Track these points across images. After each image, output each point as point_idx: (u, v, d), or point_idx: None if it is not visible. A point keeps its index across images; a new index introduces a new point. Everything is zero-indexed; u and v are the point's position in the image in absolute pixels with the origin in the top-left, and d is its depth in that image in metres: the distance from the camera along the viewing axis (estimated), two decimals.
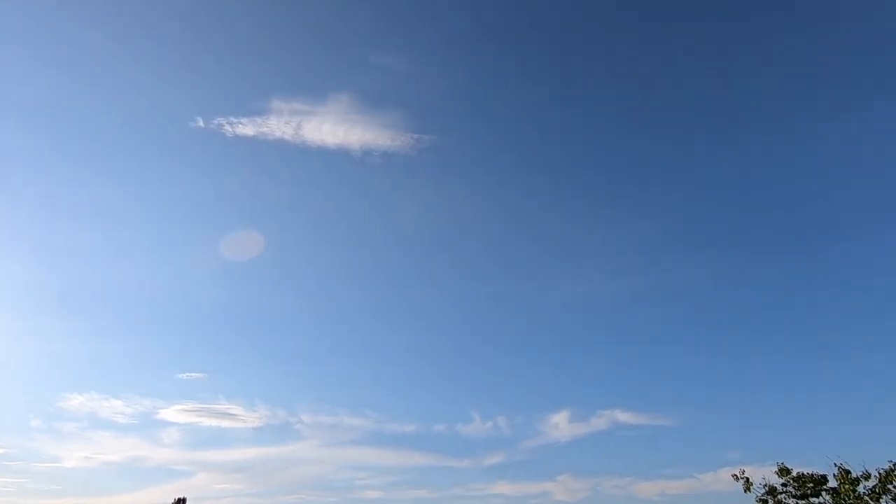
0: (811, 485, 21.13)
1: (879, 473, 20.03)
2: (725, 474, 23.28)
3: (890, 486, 19.70)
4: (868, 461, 20.49)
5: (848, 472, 20.37)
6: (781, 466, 22.35)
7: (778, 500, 21.70)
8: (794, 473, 21.73)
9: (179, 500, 28.76)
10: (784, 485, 21.76)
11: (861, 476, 20.32)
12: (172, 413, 72.57)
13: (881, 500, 19.32)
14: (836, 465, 20.88)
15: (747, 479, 22.59)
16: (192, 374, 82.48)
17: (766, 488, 22.12)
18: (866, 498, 20.02)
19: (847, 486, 20.20)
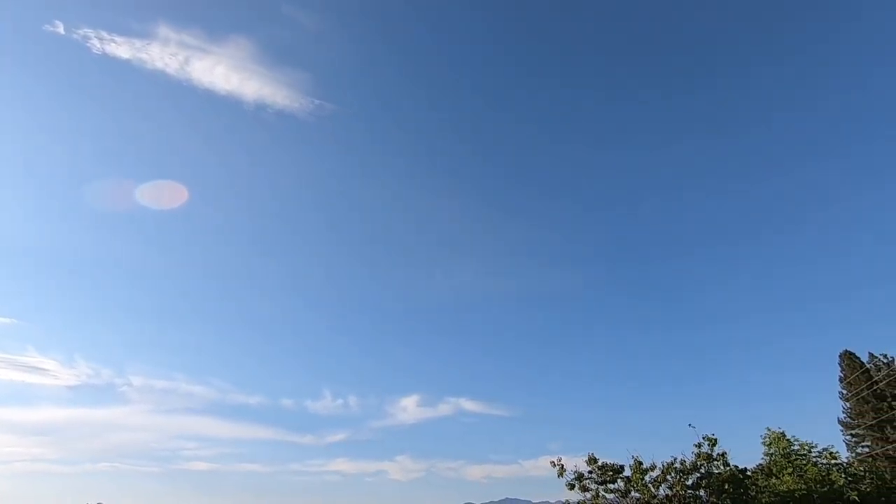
0: (611, 473, 24.19)
1: (662, 466, 23.73)
2: (545, 461, 25.56)
3: (668, 477, 23.43)
4: (657, 456, 24.13)
5: (641, 463, 23.76)
6: (590, 456, 25.22)
7: (583, 485, 24.40)
8: (599, 463, 24.64)
9: None
10: (590, 472, 24.57)
11: (649, 467, 23.84)
12: None
13: (660, 487, 22.88)
14: (632, 457, 24.20)
15: (562, 466, 25.06)
16: None
17: (576, 475, 24.74)
18: (649, 485, 23.53)
19: (638, 475, 23.55)
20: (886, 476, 27.22)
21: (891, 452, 39.15)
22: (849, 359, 47.31)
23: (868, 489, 24.61)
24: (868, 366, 46.32)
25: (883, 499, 24.01)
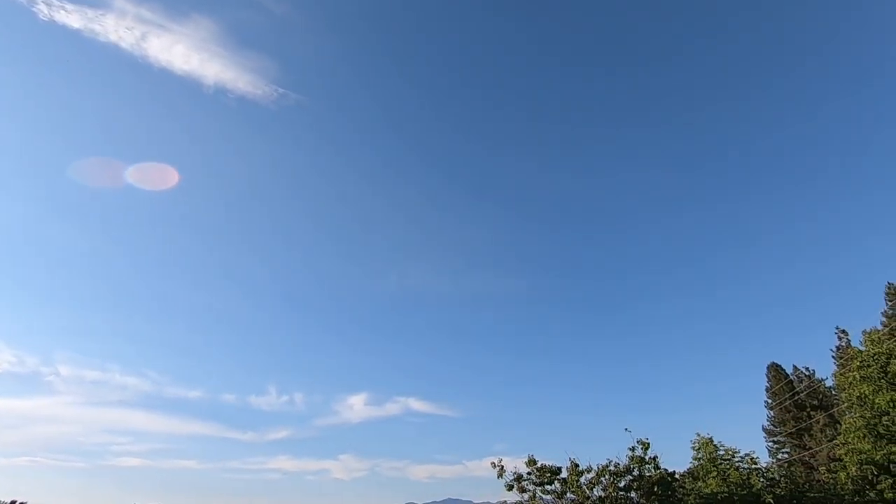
0: (549, 474, 24.78)
1: (597, 468, 24.54)
2: (489, 462, 25.88)
3: (602, 479, 24.24)
4: (595, 458, 24.96)
5: (577, 465, 24.48)
6: (530, 458, 25.75)
7: (521, 486, 24.88)
8: (538, 464, 25.20)
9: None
10: (529, 473, 25.08)
11: (585, 469, 24.60)
12: None
13: (594, 489, 23.65)
14: (570, 459, 24.90)
15: (502, 467, 25.46)
16: None
17: (515, 476, 25.19)
18: (584, 487, 24.28)
19: (573, 477, 24.25)
20: (800, 480, 29.27)
21: (806, 458, 42.11)
22: (775, 370, 50.58)
23: (782, 492, 26.35)
24: (791, 377, 49.69)
25: (795, 501, 25.77)
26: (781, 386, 48.95)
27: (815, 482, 32.06)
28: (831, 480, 25.49)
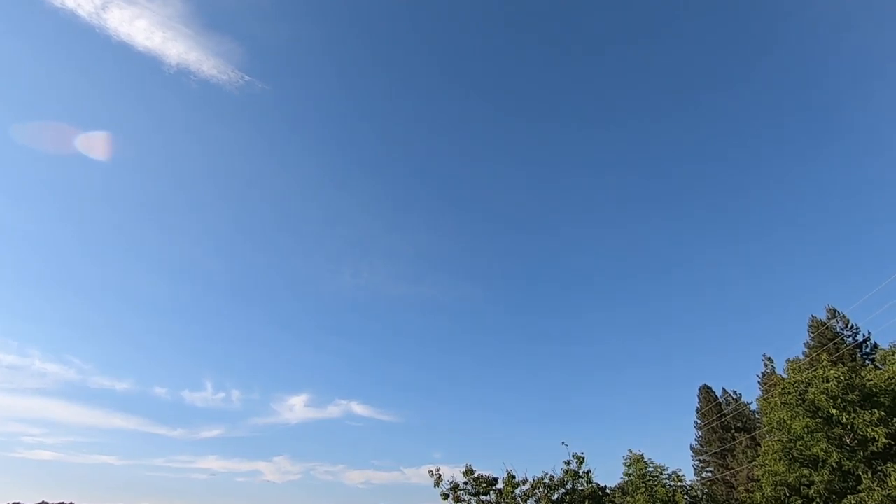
0: (485, 485, 24.85)
1: (533, 480, 24.82)
2: (426, 470, 25.67)
3: (536, 491, 24.52)
4: (532, 470, 25.23)
5: (513, 476, 24.68)
6: (468, 468, 25.76)
7: (457, 496, 24.80)
8: (475, 474, 25.22)
9: None
10: (465, 483, 25.06)
11: (521, 481, 24.82)
12: None
13: (528, 501, 23.90)
14: (506, 470, 25.09)
15: (439, 475, 25.33)
16: None
17: (451, 485, 25.11)
18: (518, 499, 24.47)
19: (509, 488, 24.41)
20: (720, 499, 30.78)
21: (728, 478, 44.37)
22: (705, 392, 53.12)
23: None
24: (721, 400, 52.36)
25: None
26: (711, 407, 51.47)
27: (733, 501, 33.78)
28: (749, 500, 26.89)
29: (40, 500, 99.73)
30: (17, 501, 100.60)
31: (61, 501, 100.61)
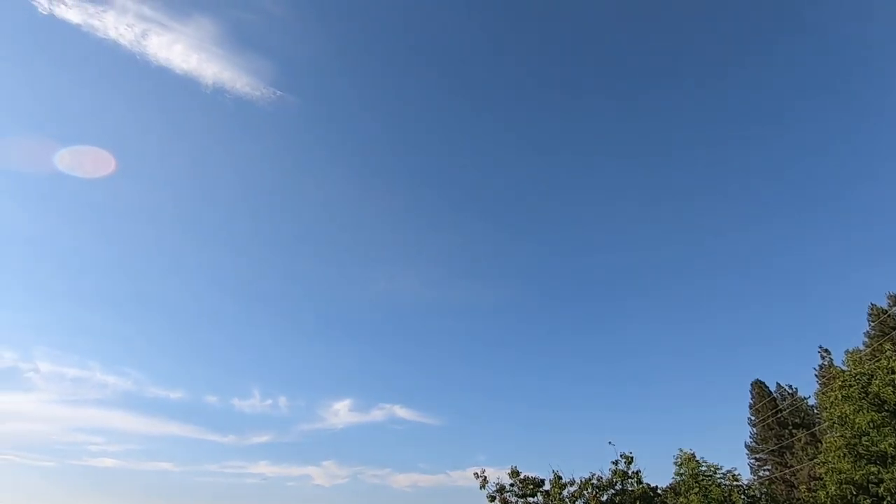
0: (531, 486, 24.68)
1: (580, 481, 24.46)
2: (471, 472, 25.72)
3: (585, 492, 24.17)
4: (578, 472, 24.90)
5: (560, 478, 24.40)
6: (513, 469, 25.64)
7: (504, 497, 24.73)
8: (521, 476, 25.09)
9: None
10: (512, 485, 24.96)
11: (568, 482, 24.52)
12: None
13: (577, 502, 23.58)
14: (553, 471, 24.83)
15: (485, 477, 25.32)
16: None
17: (497, 487, 25.05)
18: (566, 500, 24.18)
19: (556, 490, 24.15)
20: (780, 499, 29.42)
21: (788, 477, 42.36)
22: (758, 388, 50.93)
23: None
24: (775, 395, 50.10)
25: None
26: (765, 403, 49.31)
27: (795, 500, 32.23)
28: (811, 499, 25.62)
29: None
30: None
31: None
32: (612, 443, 25.45)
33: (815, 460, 30.91)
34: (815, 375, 43.36)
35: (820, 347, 44.14)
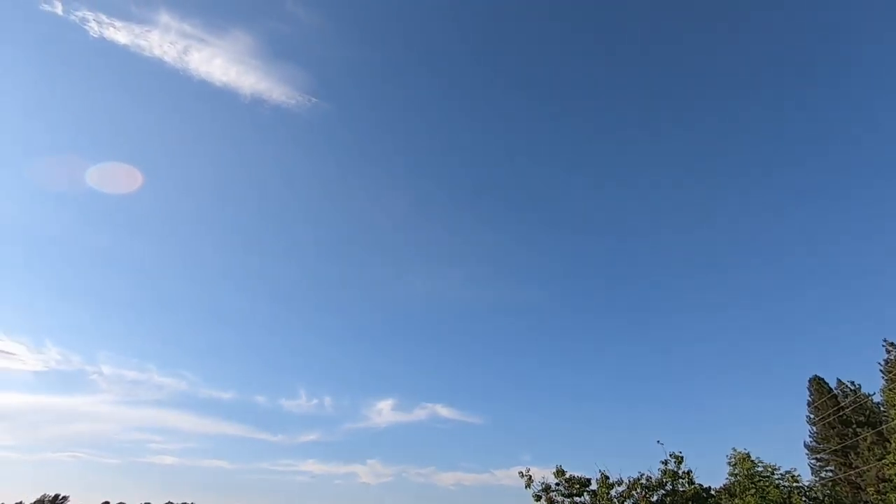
0: (578, 486, 24.24)
1: (629, 481, 23.85)
2: (516, 471, 25.54)
3: (633, 493, 23.55)
4: (625, 471, 24.30)
5: (607, 477, 23.87)
6: (558, 468, 25.25)
7: (549, 497, 24.41)
8: (567, 475, 24.69)
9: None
10: (557, 484, 24.61)
11: (615, 482, 23.95)
12: None
13: (625, 503, 22.99)
14: (599, 471, 24.31)
15: (530, 476, 25.05)
16: None
17: (543, 486, 24.75)
18: (615, 500, 23.63)
19: (604, 490, 23.64)
20: (846, 501, 27.79)
21: (853, 478, 39.95)
22: (817, 384, 48.29)
23: None
24: (835, 392, 47.34)
25: None
26: (825, 400, 46.69)
27: (862, 503, 30.36)
28: (881, 502, 24.09)
29: (166, 501, 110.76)
30: (147, 502, 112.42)
31: (184, 502, 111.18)
32: (661, 442, 24.74)
33: (883, 461, 29.02)
34: (881, 371, 40.69)
35: (885, 341, 41.39)
